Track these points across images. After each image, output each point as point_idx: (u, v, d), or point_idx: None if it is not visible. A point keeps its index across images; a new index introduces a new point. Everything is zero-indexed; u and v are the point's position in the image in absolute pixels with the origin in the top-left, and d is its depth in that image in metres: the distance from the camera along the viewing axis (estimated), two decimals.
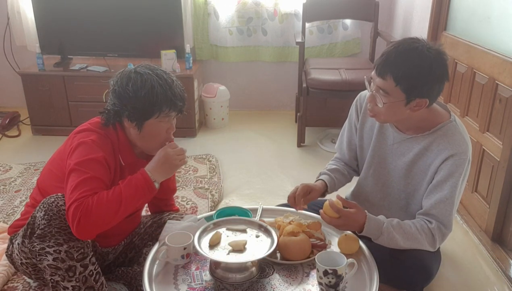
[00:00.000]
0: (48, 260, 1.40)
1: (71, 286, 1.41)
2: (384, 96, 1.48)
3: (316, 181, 1.79)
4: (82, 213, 1.32)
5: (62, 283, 1.41)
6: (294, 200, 1.67)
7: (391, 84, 1.45)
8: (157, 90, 1.45)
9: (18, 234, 1.58)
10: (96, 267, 1.47)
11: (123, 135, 1.54)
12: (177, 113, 1.54)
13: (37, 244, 1.41)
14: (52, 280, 1.42)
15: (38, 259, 1.43)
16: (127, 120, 1.50)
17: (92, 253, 1.46)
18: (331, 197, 1.61)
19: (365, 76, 1.65)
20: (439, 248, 1.63)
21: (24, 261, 1.56)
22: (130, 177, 1.44)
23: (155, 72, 1.48)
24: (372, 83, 1.54)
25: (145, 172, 1.45)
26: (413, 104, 1.49)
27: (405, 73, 1.43)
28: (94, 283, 1.45)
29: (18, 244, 1.54)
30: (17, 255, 1.57)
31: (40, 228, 1.40)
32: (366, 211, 1.54)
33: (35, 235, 1.42)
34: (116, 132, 1.54)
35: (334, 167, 1.84)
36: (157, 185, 1.46)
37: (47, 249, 1.39)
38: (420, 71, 1.43)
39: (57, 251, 1.39)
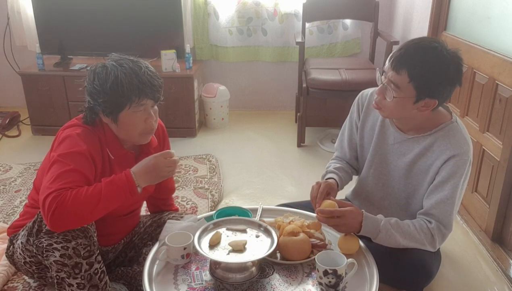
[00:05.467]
0: (55, 256, 1.39)
1: (76, 283, 1.41)
2: (394, 90, 1.48)
3: (326, 180, 1.75)
4: (58, 204, 1.30)
5: (67, 280, 1.41)
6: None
7: (405, 80, 1.45)
8: (122, 80, 1.42)
9: (19, 234, 1.57)
10: (101, 266, 1.47)
11: (109, 128, 1.54)
12: (154, 102, 1.51)
13: (45, 240, 1.41)
14: (57, 277, 1.42)
15: (44, 255, 1.42)
16: (103, 115, 1.50)
17: (98, 252, 1.46)
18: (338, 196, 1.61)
19: (377, 68, 1.62)
20: (439, 248, 1.63)
21: (28, 259, 1.56)
22: (114, 175, 1.42)
23: (119, 62, 1.46)
24: (383, 76, 1.52)
25: (130, 174, 1.42)
26: (421, 104, 1.48)
27: (421, 71, 1.42)
28: (99, 281, 1.45)
29: (21, 242, 1.54)
30: (20, 254, 1.57)
31: None
32: (363, 210, 1.54)
33: (43, 231, 1.42)
34: (102, 126, 1.53)
35: (339, 165, 1.82)
36: (139, 189, 1.43)
37: (55, 245, 1.39)
38: (436, 72, 1.42)
39: (65, 247, 1.39)
